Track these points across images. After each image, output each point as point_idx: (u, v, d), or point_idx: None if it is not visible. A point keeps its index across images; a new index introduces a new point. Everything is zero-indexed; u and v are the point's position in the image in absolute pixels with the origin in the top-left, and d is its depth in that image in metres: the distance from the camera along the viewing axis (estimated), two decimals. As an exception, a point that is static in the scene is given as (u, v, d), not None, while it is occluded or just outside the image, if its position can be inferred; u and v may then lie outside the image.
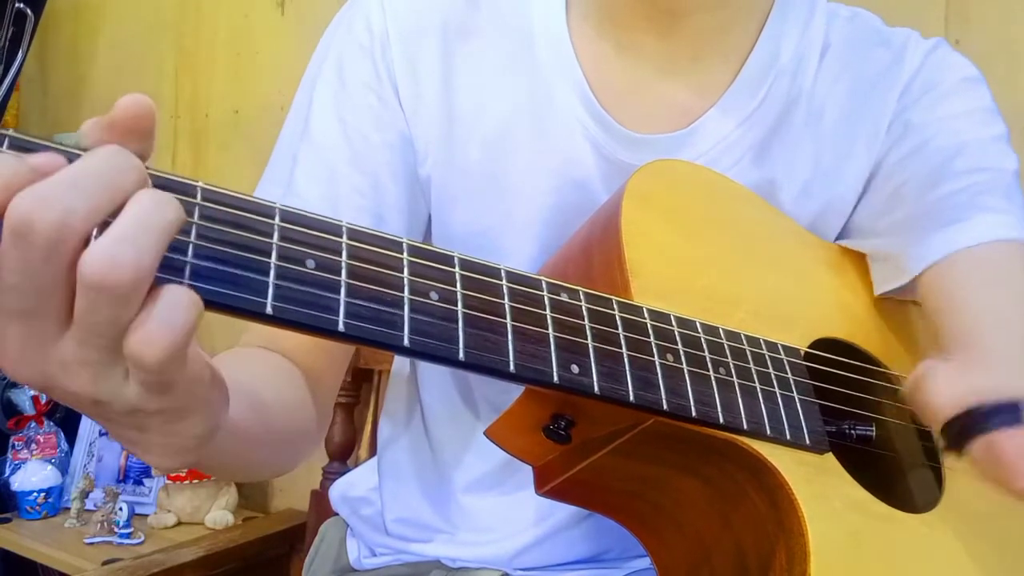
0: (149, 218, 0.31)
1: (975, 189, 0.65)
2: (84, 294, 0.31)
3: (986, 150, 0.68)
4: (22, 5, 1.75)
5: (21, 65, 1.78)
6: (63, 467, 1.74)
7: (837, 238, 0.74)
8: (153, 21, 1.98)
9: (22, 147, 0.33)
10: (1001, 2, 1.07)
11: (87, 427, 1.79)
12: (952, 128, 0.69)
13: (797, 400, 0.56)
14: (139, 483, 1.72)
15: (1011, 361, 0.56)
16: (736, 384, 0.53)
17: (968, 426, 0.52)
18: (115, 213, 0.31)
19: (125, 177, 0.32)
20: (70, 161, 0.32)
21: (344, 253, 0.40)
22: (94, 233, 0.31)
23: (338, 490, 0.89)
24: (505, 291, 0.45)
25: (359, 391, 1.36)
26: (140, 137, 0.34)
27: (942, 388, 0.54)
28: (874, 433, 0.62)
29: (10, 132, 0.33)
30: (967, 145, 0.68)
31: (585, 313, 0.48)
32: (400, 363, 0.85)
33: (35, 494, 1.66)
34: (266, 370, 0.59)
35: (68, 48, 2.13)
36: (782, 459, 0.53)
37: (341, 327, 0.39)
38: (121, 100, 0.33)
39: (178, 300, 0.32)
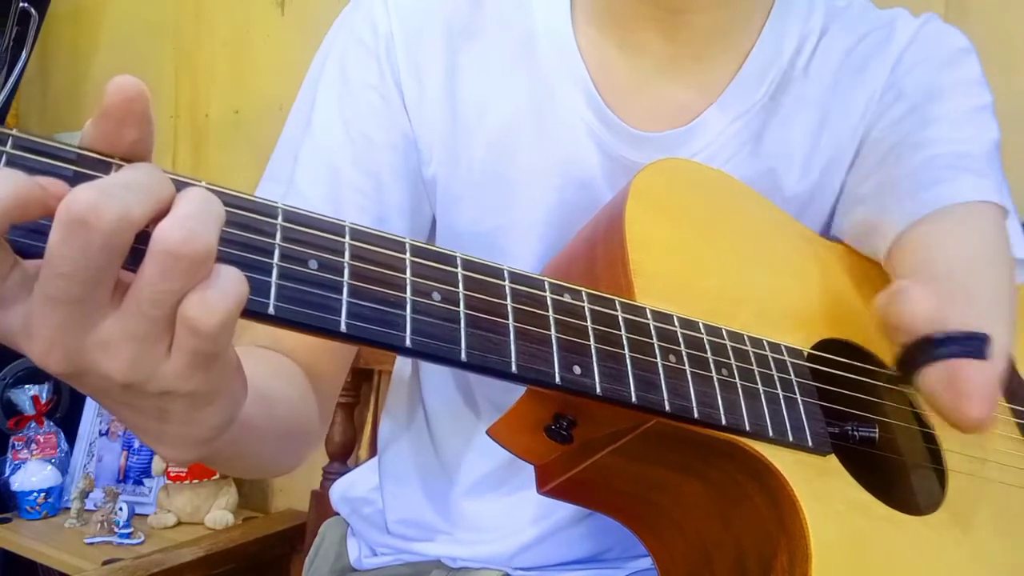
0: (207, 204, 0.34)
1: (956, 153, 0.66)
2: (159, 262, 0.33)
3: (971, 119, 0.69)
4: (26, 4, 1.75)
5: (25, 64, 1.78)
6: (63, 467, 1.74)
7: (830, 234, 0.74)
8: (153, 21, 1.98)
9: (26, 147, 0.33)
10: (999, -2, 1.07)
11: (87, 427, 1.79)
12: (940, 97, 0.70)
13: (800, 402, 0.56)
14: (139, 483, 1.72)
15: (983, 300, 0.57)
16: (739, 385, 0.53)
17: (932, 348, 0.52)
18: (157, 219, 0.33)
19: (164, 186, 0.34)
20: (75, 161, 0.34)
21: (347, 253, 0.40)
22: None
23: (339, 490, 0.89)
24: (508, 292, 0.45)
25: (359, 391, 1.35)
26: (137, 122, 0.35)
27: (919, 304, 0.53)
28: (877, 435, 0.61)
29: (13, 131, 0.33)
30: (953, 112, 0.69)
31: (588, 314, 0.48)
32: (402, 363, 0.86)
33: (35, 494, 1.66)
34: (269, 367, 0.60)
35: (68, 48, 2.13)
36: (784, 460, 0.53)
37: (343, 327, 0.38)
38: (110, 83, 0.34)
39: (233, 274, 0.34)
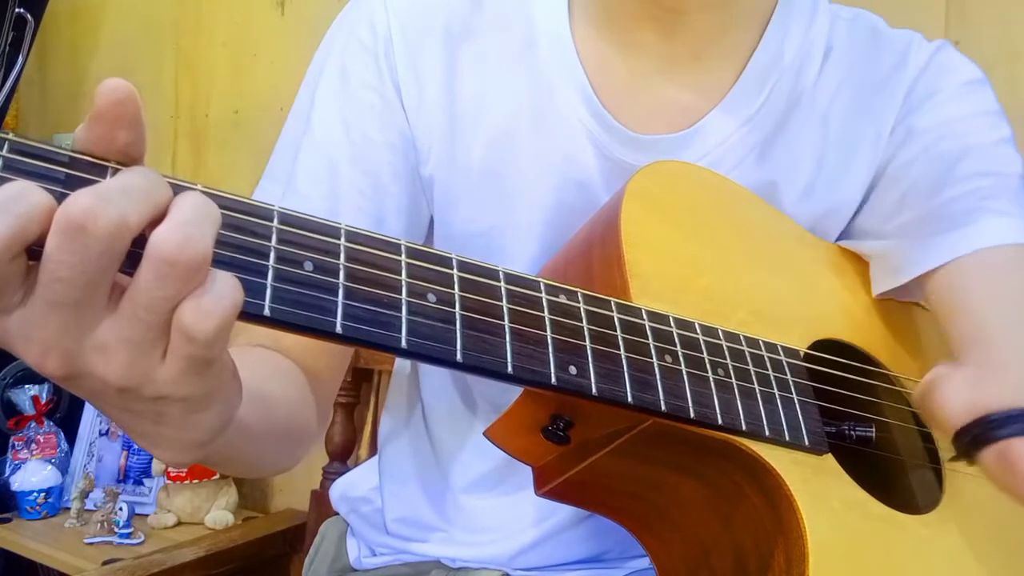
0: (203, 209, 0.34)
1: (981, 193, 0.65)
2: (154, 268, 0.33)
3: (991, 154, 0.68)
4: (22, 10, 1.75)
5: (21, 69, 1.78)
6: (63, 467, 1.74)
7: (838, 240, 0.73)
8: (153, 21, 1.98)
9: (22, 151, 0.33)
10: (1000, 3, 1.07)
11: (87, 427, 1.79)
12: (957, 132, 0.69)
13: (796, 401, 0.56)
14: (139, 483, 1.72)
15: (1021, 368, 0.56)
16: (735, 385, 0.53)
17: (980, 434, 0.53)
18: (153, 224, 0.33)
19: (161, 190, 0.34)
20: (67, 164, 0.34)
21: (342, 255, 0.40)
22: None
23: (338, 490, 0.89)
24: (503, 293, 0.45)
25: (359, 391, 1.36)
26: (129, 124, 0.35)
27: (953, 396, 0.55)
28: (874, 434, 0.62)
29: (10, 135, 0.33)
30: (972, 149, 0.68)
31: (583, 315, 0.48)
32: (402, 362, 0.86)
33: (35, 494, 1.66)
34: (267, 367, 0.60)
35: (67, 49, 2.13)
36: (780, 460, 0.53)
37: (339, 329, 0.39)
38: (101, 86, 0.34)
39: (228, 280, 0.34)
